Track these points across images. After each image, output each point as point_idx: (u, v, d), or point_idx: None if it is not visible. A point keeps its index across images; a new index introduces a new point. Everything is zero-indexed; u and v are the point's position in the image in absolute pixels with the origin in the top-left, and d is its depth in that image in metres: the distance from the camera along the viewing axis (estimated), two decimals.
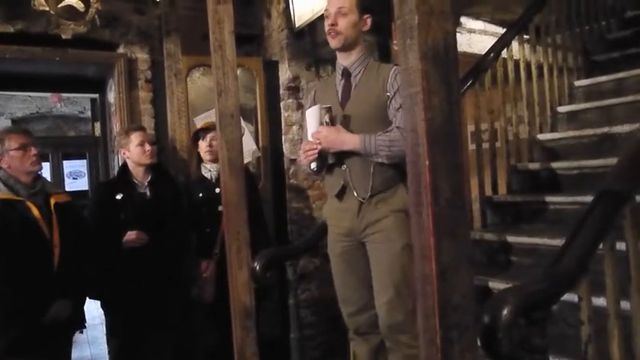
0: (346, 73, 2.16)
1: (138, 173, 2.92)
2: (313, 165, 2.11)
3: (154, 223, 2.83)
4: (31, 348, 2.40)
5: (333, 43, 2.11)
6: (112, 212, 2.82)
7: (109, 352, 3.05)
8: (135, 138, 2.88)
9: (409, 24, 0.97)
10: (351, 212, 2.10)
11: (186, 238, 3.05)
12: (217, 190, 2.94)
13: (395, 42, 3.51)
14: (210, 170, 3.11)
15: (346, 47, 2.12)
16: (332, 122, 2.08)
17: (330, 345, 3.54)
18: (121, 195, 2.85)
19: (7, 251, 2.36)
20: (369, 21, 2.13)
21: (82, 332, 2.80)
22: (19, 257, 2.38)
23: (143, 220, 2.81)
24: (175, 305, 2.89)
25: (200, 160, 3.18)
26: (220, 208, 2.89)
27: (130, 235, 2.75)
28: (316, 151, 2.06)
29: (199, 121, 3.43)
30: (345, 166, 2.10)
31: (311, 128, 2.11)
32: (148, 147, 2.89)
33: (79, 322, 2.68)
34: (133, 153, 2.89)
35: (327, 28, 2.10)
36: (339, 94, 2.18)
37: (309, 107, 2.18)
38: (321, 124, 2.07)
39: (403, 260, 1.99)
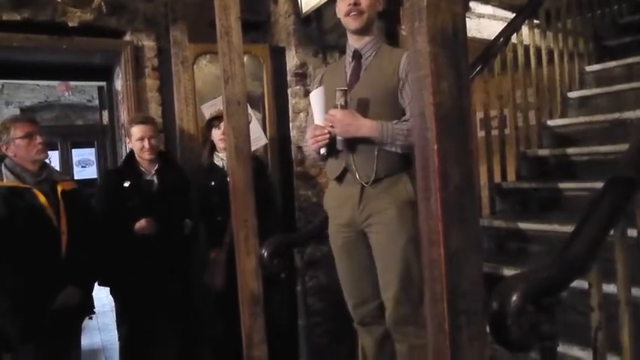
0: (357, 55, 2.09)
1: (143, 162, 2.92)
2: (323, 150, 2.03)
3: (161, 211, 2.83)
4: (40, 334, 2.42)
5: (355, 23, 2.02)
6: (120, 200, 2.82)
7: (119, 339, 3.07)
8: (136, 131, 2.86)
9: (418, 6, 0.95)
10: (352, 200, 2.04)
11: (194, 227, 3.06)
12: (229, 179, 2.93)
13: (403, 27, 3.48)
14: (222, 159, 3.08)
15: (364, 29, 2.04)
16: (347, 106, 1.97)
17: (338, 332, 3.55)
18: (129, 182, 2.85)
19: (15, 239, 2.37)
20: (382, 1, 2.07)
21: (91, 319, 2.82)
22: (27, 244, 2.39)
23: (151, 208, 2.81)
24: (182, 293, 2.91)
25: (213, 148, 3.14)
26: None
27: (141, 222, 2.75)
28: (327, 136, 1.99)
29: (206, 109, 3.42)
30: (346, 149, 2.02)
31: (317, 111, 2.03)
32: (147, 143, 2.84)
33: (87, 308, 2.71)
34: (134, 146, 2.90)
35: (346, 8, 2.01)
36: (348, 76, 2.11)
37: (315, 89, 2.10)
38: (336, 107, 1.97)
39: (408, 254, 1.94)
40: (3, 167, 2.48)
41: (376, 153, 1.98)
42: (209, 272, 3.03)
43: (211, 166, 3.13)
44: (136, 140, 2.87)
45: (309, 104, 2.21)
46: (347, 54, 2.16)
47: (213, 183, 3.06)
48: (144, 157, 2.89)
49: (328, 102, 2.02)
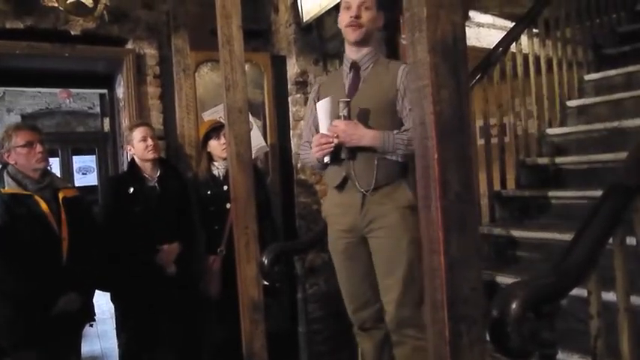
0: (355, 67, 2.15)
1: (146, 168, 2.93)
2: (327, 159, 2.08)
3: (164, 217, 2.85)
4: (40, 341, 2.42)
5: (354, 35, 2.09)
6: (126, 205, 2.84)
7: (119, 346, 3.07)
8: (138, 133, 2.89)
9: (418, 16, 0.96)
10: (354, 207, 2.09)
11: (195, 233, 3.07)
12: (225, 188, 2.95)
13: (403, 37, 3.50)
14: (217, 168, 3.11)
15: (363, 41, 2.11)
16: (349, 116, 2.04)
17: (338, 339, 3.55)
18: (133, 189, 2.86)
19: (16, 245, 2.38)
20: (382, 18, 2.15)
21: (91, 326, 2.82)
22: (28, 251, 2.39)
23: (155, 214, 2.84)
24: (184, 299, 2.91)
25: (210, 160, 3.15)
26: (228, 205, 2.91)
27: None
28: (333, 145, 2.03)
29: (207, 117, 3.44)
30: (348, 157, 2.07)
31: (322, 121, 2.07)
32: (150, 142, 2.88)
33: (88, 315, 2.70)
34: (136, 149, 2.90)
35: (347, 20, 2.08)
36: (346, 88, 2.16)
37: (317, 101, 2.15)
38: (339, 117, 2.04)
39: (410, 255, 2.00)
40: (5, 174, 2.49)
41: (376, 162, 2.03)
42: (205, 279, 3.05)
43: (208, 176, 3.14)
44: (138, 142, 2.89)
45: (309, 112, 2.23)
46: (344, 65, 2.21)
47: (209, 192, 3.08)
48: (148, 157, 2.90)
49: (333, 112, 2.07)
